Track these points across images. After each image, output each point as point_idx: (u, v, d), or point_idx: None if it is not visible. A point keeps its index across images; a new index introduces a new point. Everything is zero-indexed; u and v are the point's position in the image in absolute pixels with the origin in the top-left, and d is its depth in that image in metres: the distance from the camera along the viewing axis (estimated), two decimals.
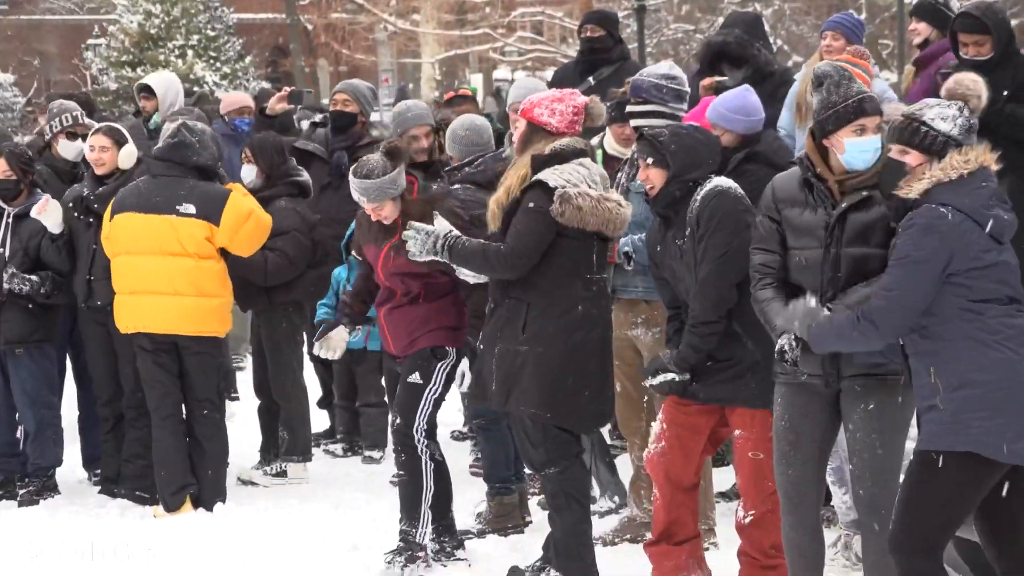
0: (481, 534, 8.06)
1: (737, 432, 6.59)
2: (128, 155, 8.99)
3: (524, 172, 6.88)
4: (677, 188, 6.63)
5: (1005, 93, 8.16)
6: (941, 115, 5.57)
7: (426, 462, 7.47)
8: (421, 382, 7.42)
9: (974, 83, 7.71)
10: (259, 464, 9.59)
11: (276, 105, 11.01)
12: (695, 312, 6.53)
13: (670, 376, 6.60)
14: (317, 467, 9.67)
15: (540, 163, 6.84)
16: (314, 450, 9.84)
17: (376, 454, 9.94)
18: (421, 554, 7.48)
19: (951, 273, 5.46)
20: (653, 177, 6.67)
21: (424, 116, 9.32)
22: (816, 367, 5.93)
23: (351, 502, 8.85)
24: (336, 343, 7.84)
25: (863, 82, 6.70)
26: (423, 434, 7.46)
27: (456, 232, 6.96)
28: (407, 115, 9.31)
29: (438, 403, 7.52)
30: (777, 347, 5.91)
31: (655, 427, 6.85)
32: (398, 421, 7.49)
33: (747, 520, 6.56)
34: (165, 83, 10.55)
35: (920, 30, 9.44)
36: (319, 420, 10.33)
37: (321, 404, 10.55)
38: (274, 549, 7.84)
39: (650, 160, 6.66)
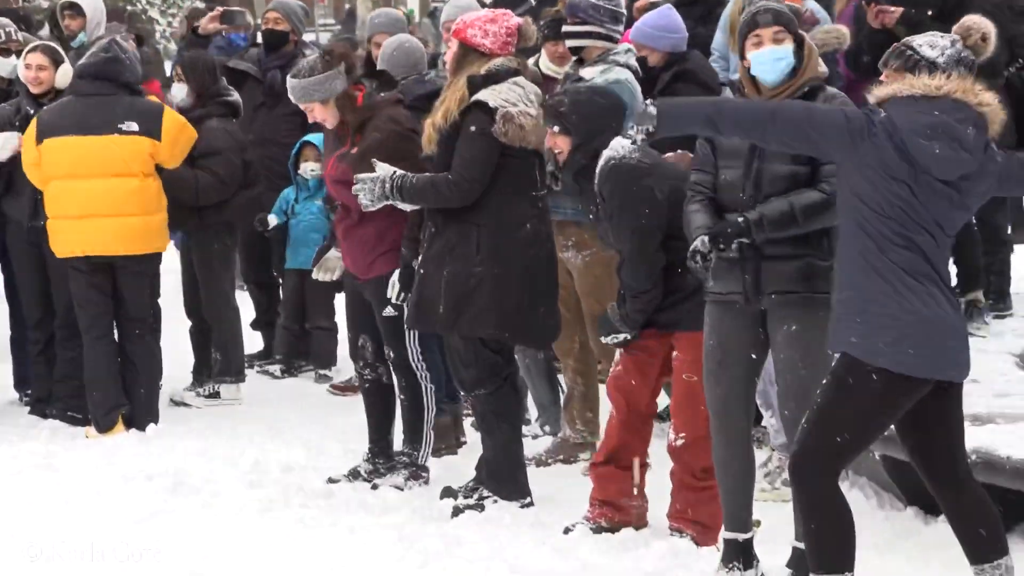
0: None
1: (675, 354, 6.62)
2: (65, 74, 8.85)
3: (461, 94, 6.86)
4: (583, 156, 6.64)
5: (930, 13, 8.14)
6: (931, 43, 5.49)
7: (425, 386, 7.48)
8: (395, 313, 7.38)
9: (982, 22, 7.64)
10: (192, 385, 9.56)
11: (208, 25, 10.88)
12: (629, 284, 6.55)
13: (622, 336, 6.63)
14: (251, 388, 9.63)
15: (476, 84, 6.85)
16: (248, 371, 9.82)
17: (329, 372, 9.98)
18: (425, 475, 7.54)
19: (855, 192, 5.35)
20: (561, 144, 6.69)
21: (394, 25, 9.32)
22: (736, 284, 5.94)
23: (285, 422, 8.83)
24: (333, 264, 7.81)
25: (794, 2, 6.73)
26: (419, 359, 7.45)
27: (400, 171, 6.92)
28: (375, 20, 9.38)
29: None
30: (691, 249, 5.88)
31: (617, 353, 6.86)
32: (392, 355, 7.48)
33: (679, 443, 6.56)
34: (92, 1, 10.38)
35: None
36: (253, 341, 10.29)
37: (255, 326, 10.50)
38: (206, 471, 7.81)
39: (556, 128, 6.67)
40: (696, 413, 6.44)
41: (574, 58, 8.01)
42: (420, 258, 7.03)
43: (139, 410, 8.71)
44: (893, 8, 8.22)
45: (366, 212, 7.14)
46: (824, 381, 5.44)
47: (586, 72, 7.60)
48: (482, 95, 6.80)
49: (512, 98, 6.79)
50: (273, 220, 9.83)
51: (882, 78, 5.56)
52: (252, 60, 10.29)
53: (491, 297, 6.83)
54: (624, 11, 7.81)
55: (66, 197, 8.53)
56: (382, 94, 7.45)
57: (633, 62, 7.71)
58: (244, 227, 9.77)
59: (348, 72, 7.29)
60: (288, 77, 7.41)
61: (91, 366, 8.63)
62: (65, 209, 8.54)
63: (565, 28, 7.76)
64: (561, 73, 8.11)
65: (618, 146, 6.56)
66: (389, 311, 7.34)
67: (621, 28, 7.81)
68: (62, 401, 8.92)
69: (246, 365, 9.79)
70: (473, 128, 6.76)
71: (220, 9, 11.43)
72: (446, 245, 6.91)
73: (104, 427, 8.57)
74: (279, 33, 10.21)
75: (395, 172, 6.92)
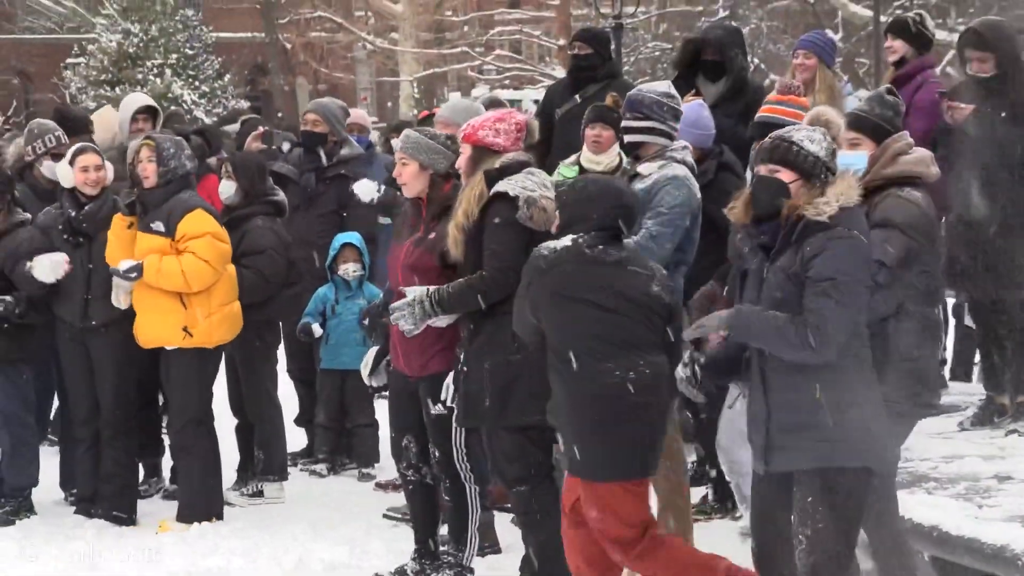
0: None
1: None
2: (110, 172, 9.00)
3: (479, 190, 6.96)
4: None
5: (1003, 115, 8.16)
6: (809, 137, 5.70)
7: (470, 488, 7.47)
8: (445, 412, 7.39)
9: (835, 114, 7.74)
10: (236, 484, 9.60)
11: (252, 145, 11.09)
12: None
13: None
14: (294, 487, 9.67)
15: (493, 178, 6.95)
16: (292, 469, 9.86)
17: (372, 470, 10.02)
18: (470, 575, 7.54)
19: None
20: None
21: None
22: None
23: (329, 522, 8.84)
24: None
25: (795, 117, 6.89)
26: (464, 460, 7.46)
27: (432, 287, 6.98)
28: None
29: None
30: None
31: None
32: (437, 454, 7.50)
33: None
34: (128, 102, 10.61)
35: (896, 48, 9.44)
36: (297, 438, 10.34)
37: (298, 422, 10.56)
38: (250, 570, 7.84)
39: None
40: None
41: (615, 148, 8.13)
42: (462, 356, 7.08)
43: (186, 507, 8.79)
44: (964, 105, 8.23)
45: None
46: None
47: (643, 168, 7.55)
48: (500, 186, 6.89)
49: (529, 185, 6.88)
50: (318, 331, 9.92)
51: (761, 171, 5.77)
52: (294, 162, 10.42)
53: (533, 383, 6.78)
54: (683, 109, 7.88)
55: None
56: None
57: (690, 159, 7.69)
58: (287, 324, 9.85)
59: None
60: (407, 131, 7.62)
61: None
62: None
63: (625, 123, 7.75)
64: (600, 164, 8.18)
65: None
66: (439, 409, 7.37)
67: (679, 125, 7.87)
68: (107, 500, 8.96)
69: (290, 463, 9.84)
70: (497, 219, 6.83)
71: (263, 129, 11.62)
72: (485, 338, 6.95)
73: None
74: (317, 135, 10.35)
75: (428, 290, 6.98)
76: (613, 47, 28.19)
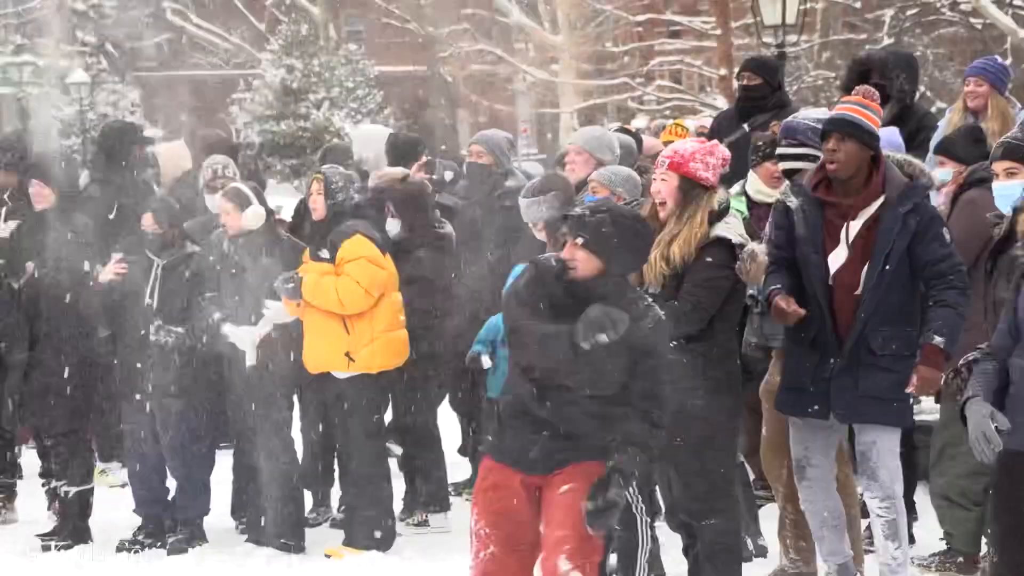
0: None
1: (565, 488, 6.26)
2: (253, 216, 9.04)
3: (702, 231, 6.81)
4: (611, 283, 6.07)
5: None
6: None
7: (641, 519, 7.42)
8: None
9: None
10: (403, 513, 9.64)
11: (416, 174, 11.15)
12: (645, 439, 6.07)
13: None
14: (460, 516, 9.66)
15: (714, 219, 6.85)
16: (457, 500, 9.88)
17: None
18: None
19: None
20: (581, 259, 6.03)
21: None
22: None
23: None
24: None
25: (872, 122, 6.83)
26: (635, 491, 7.41)
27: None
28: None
29: None
30: None
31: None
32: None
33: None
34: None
35: None
36: (463, 469, 10.37)
37: (463, 452, 10.59)
38: None
39: (579, 240, 6.02)
40: (591, 547, 6.12)
41: (787, 181, 8.02)
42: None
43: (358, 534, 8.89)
44: None
45: None
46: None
47: None
48: (723, 231, 6.78)
49: (743, 232, 6.83)
50: (486, 362, 9.88)
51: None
52: (460, 194, 10.45)
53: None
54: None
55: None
56: None
57: None
58: (450, 358, 9.88)
59: (564, 203, 7.42)
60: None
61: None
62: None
63: (780, 150, 7.69)
64: (772, 197, 8.09)
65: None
66: None
67: None
68: (276, 528, 9.05)
69: (455, 493, 9.86)
70: (711, 259, 6.73)
71: (426, 159, 11.69)
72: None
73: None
74: (482, 167, 10.35)
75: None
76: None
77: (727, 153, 7.06)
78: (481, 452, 6.48)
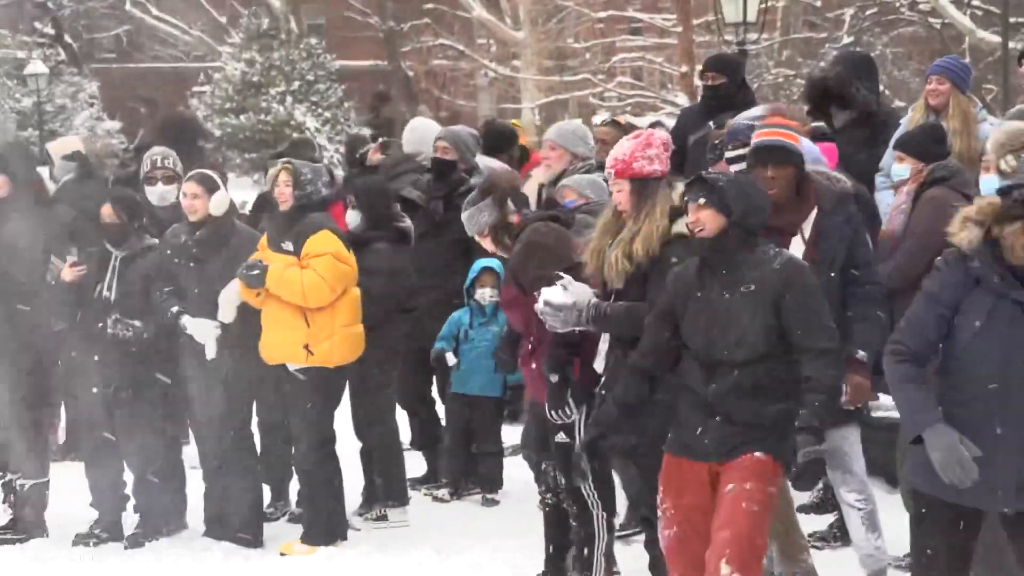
0: None
1: (730, 487, 6.30)
2: (219, 202, 9.02)
3: (663, 226, 6.77)
4: (731, 239, 6.28)
5: None
6: None
7: (598, 515, 7.44)
8: (568, 440, 7.37)
9: None
10: (361, 508, 9.61)
11: (373, 157, 11.15)
12: (827, 380, 6.17)
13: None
14: (418, 511, 9.67)
15: (677, 214, 6.78)
16: (415, 494, 9.86)
17: (496, 496, 10.01)
18: None
19: None
20: (704, 219, 6.28)
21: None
22: None
23: (453, 546, 8.83)
24: None
25: (795, 140, 6.99)
26: (591, 487, 7.40)
27: (595, 301, 6.88)
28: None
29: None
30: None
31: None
32: (563, 481, 7.50)
33: None
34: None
35: None
36: (418, 463, 10.35)
37: (415, 446, 10.56)
38: None
39: (701, 200, 6.28)
40: (753, 549, 6.16)
41: None
42: (604, 378, 6.96)
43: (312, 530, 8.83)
44: None
45: (544, 337, 7.18)
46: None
47: None
48: (682, 227, 6.68)
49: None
50: (451, 360, 9.91)
51: None
52: (423, 188, 10.42)
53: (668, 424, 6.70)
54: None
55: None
56: (533, 211, 7.57)
57: None
58: (403, 352, 9.85)
59: (501, 204, 7.40)
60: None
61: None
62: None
63: (728, 154, 7.72)
64: None
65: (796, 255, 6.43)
66: (562, 437, 7.34)
67: None
68: (233, 523, 9.03)
69: (412, 487, 9.84)
70: (675, 260, 6.67)
71: (381, 141, 11.67)
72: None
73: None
74: (446, 162, 10.34)
75: (590, 302, 6.87)
76: None
77: (665, 136, 7.00)
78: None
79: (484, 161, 10.24)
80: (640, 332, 6.65)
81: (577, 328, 6.94)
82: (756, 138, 7.25)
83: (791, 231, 6.95)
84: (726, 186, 6.27)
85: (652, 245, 6.73)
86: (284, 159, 9.31)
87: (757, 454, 6.19)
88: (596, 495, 7.42)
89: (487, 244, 7.81)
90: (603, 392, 6.89)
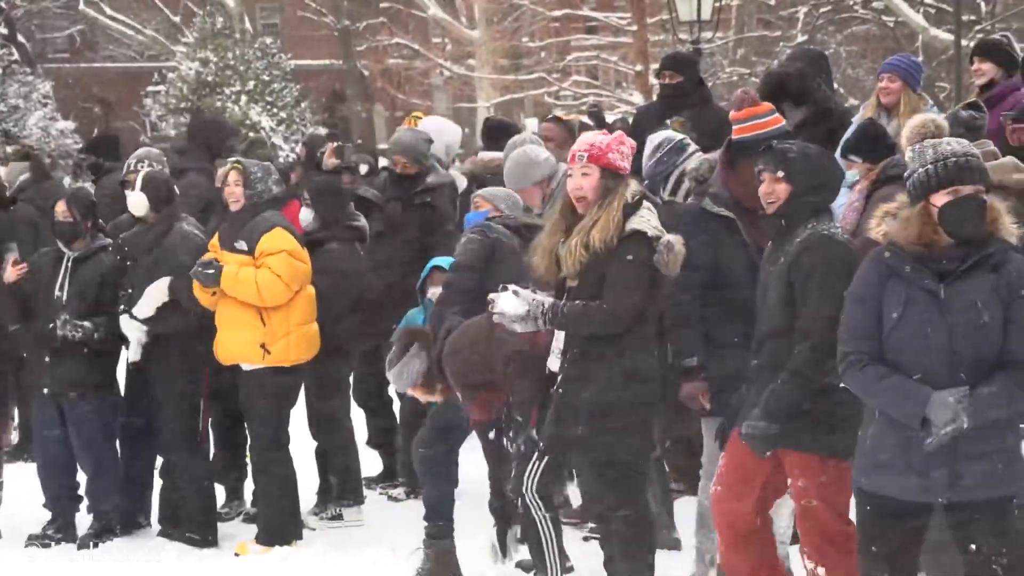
0: None
1: (789, 480, 6.47)
2: (135, 203, 9.03)
3: (618, 218, 6.78)
4: (796, 208, 6.40)
5: None
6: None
7: (539, 515, 7.39)
8: (496, 440, 7.42)
9: (942, 119, 7.78)
10: (316, 507, 9.59)
11: (328, 161, 11.12)
12: (797, 364, 6.26)
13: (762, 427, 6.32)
14: (373, 510, 9.66)
15: (631, 211, 6.82)
16: (370, 493, 9.85)
17: None
18: None
19: None
20: (780, 191, 6.41)
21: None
22: None
23: (408, 545, 8.80)
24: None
25: (768, 126, 7.20)
26: (533, 493, 7.30)
27: (550, 302, 6.84)
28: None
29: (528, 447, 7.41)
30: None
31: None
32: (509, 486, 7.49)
33: (819, 572, 6.40)
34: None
35: (985, 70, 9.32)
36: (374, 462, 10.33)
37: (370, 444, 10.55)
38: None
39: (780, 173, 6.39)
40: (826, 541, 6.33)
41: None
42: (560, 378, 6.94)
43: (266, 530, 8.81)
44: None
45: None
46: None
47: None
48: (639, 224, 6.74)
49: (658, 224, 6.81)
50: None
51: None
52: (379, 187, 10.39)
53: (629, 421, 6.83)
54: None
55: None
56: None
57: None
58: (357, 351, 9.84)
59: (426, 348, 7.51)
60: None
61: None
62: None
63: None
64: None
65: (831, 227, 6.47)
66: (492, 435, 7.38)
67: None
68: (187, 522, 9.03)
69: (368, 487, 9.83)
70: (631, 257, 6.69)
71: (334, 145, 11.64)
72: (588, 367, 6.82)
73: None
74: (407, 176, 10.25)
75: (545, 304, 6.82)
76: None
77: (634, 143, 7.06)
78: None
79: (487, 155, 10.22)
80: (599, 330, 6.67)
81: (535, 329, 6.90)
82: (736, 134, 7.33)
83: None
84: (795, 157, 6.42)
85: (609, 235, 6.73)
86: (233, 158, 9.29)
87: (802, 452, 6.32)
88: (536, 495, 7.40)
89: (420, 394, 7.76)
90: (560, 388, 6.89)
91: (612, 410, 6.78)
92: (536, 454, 7.15)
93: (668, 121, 9.67)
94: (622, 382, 6.77)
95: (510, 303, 6.88)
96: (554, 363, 6.97)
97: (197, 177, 10.70)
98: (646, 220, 6.79)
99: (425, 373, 7.59)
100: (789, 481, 6.43)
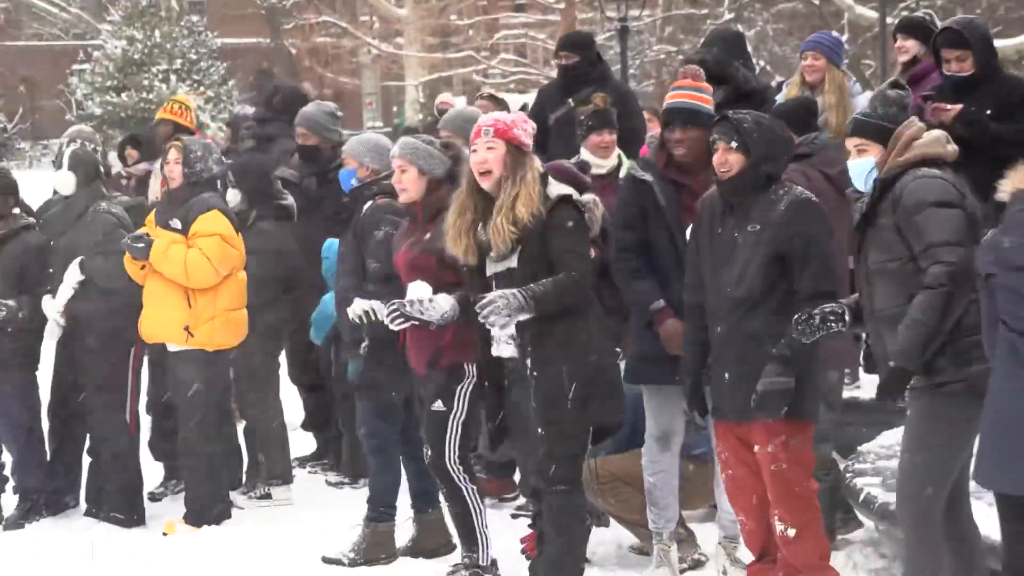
0: (353, 564, 8.05)
1: (755, 448, 6.55)
2: (62, 182, 9.05)
3: (537, 189, 6.76)
4: (751, 179, 6.51)
5: (988, 112, 8.12)
6: None
7: (467, 488, 7.44)
8: (444, 409, 7.37)
9: None
10: (245, 487, 9.59)
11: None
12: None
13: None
14: (303, 490, 9.65)
15: (544, 181, 6.85)
16: (301, 472, 9.84)
17: None
18: (490, 574, 7.54)
19: None
20: (732, 161, 6.49)
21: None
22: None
23: (337, 525, 8.80)
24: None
25: (707, 103, 7.23)
26: (456, 462, 7.41)
27: (517, 290, 6.67)
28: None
29: (466, 427, 7.42)
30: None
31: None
32: (430, 453, 7.46)
33: (790, 534, 6.49)
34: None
35: (908, 47, 9.34)
36: (307, 442, 10.32)
37: (305, 427, 10.54)
38: (258, 573, 7.85)
39: (733, 144, 6.48)
40: (796, 500, 6.47)
41: (616, 151, 8.45)
42: (528, 362, 6.81)
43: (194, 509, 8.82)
44: (950, 106, 8.15)
45: None
46: None
47: None
48: (559, 189, 6.77)
49: (569, 191, 6.86)
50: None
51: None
52: (295, 166, 10.41)
53: (610, 385, 6.84)
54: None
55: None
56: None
57: None
58: (289, 331, 9.82)
59: (452, 166, 7.45)
60: (404, 137, 7.63)
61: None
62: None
63: None
64: (605, 167, 8.37)
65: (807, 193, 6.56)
66: (439, 406, 7.35)
67: None
68: (113, 501, 9.00)
69: (299, 466, 9.83)
70: (571, 223, 6.70)
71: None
72: (559, 341, 6.74)
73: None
74: (308, 147, 10.30)
75: (516, 291, 6.64)
76: (619, 50, 28.32)
77: (533, 124, 7.07)
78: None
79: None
80: (573, 301, 6.69)
81: (520, 317, 6.70)
82: (668, 100, 7.41)
83: (702, 190, 6.97)
84: (750, 128, 6.51)
85: (534, 207, 6.71)
86: (175, 136, 9.27)
87: (773, 421, 6.38)
88: (460, 468, 7.43)
89: (413, 184, 7.53)
90: (534, 371, 6.80)
91: (593, 382, 6.76)
92: (451, 420, 7.22)
93: (570, 101, 9.76)
94: (590, 344, 6.77)
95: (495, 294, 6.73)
96: (506, 350, 6.85)
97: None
98: (560, 187, 6.84)
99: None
100: (756, 449, 6.50)
